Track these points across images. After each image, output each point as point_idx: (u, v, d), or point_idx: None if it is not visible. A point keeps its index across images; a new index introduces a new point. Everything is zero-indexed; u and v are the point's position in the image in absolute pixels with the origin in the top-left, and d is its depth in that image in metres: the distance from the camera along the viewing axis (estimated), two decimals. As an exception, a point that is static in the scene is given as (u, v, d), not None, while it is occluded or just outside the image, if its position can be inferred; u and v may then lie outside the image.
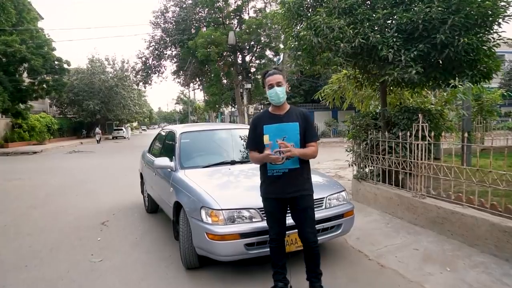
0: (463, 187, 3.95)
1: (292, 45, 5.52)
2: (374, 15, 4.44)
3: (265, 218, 3.03)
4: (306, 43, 4.98)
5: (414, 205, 4.54)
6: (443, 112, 5.64)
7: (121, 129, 41.68)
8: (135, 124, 76.40)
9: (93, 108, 36.01)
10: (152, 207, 5.80)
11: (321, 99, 8.29)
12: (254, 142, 2.95)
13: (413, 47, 4.24)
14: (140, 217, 5.76)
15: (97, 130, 32.81)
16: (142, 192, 6.35)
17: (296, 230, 3.00)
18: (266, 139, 2.82)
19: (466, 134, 4.21)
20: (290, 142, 2.78)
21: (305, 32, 4.91)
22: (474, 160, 6.98)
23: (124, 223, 5.41)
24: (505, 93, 11.09)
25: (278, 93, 2.81)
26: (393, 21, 4.49)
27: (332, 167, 10.19)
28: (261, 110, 26.75)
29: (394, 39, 4.26)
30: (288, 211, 2.96)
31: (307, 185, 2.91)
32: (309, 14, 5.13)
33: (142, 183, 6.29)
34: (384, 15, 4.35)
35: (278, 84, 2.82)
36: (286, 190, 2.83)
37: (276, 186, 2.85)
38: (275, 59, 25.40)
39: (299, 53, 5.51)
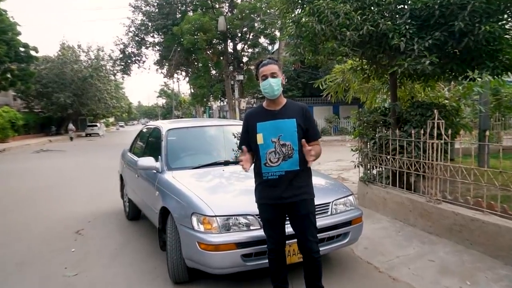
0: (483, 191, 3.97)
1: (292, 32, 5.50)
2: (384, 0, 4.43)
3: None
4: (308, 30, 4.97)
5: (428, 211, 4.56)
6: (460, 108, 5.67)
7: (96, 125, 41.35)
8: (111, 119, 75.85)
9: (64, 102, 35.49)
10: (134, 213, 5.76)
11: (322, 90, 8.27)
12: (246, 141, 2.92)
13: (428, 35, 4.24)
14: (119, 224, 5.71)
15: (71, 126, 32.78)
16: (122, 196, 6.30)
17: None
18: (259, 138, 2.79)
19: (487, 133, 4.19)
20: (286, 142, 2.76)
21: (307, 18, 4.90)
22: (492, 161, 7.12)
23: (102, 232, 5.36)
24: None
25: (272, 85, 2.76)
26: (406, 7, 4.49)
27: (334, 169, 10.22)
28: (254, 105, 26.74)
29: (407, 27, 4.27)
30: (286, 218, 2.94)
31: (307, 188, 2.89)
32: (311, -3, 5.11)
33: (122, 186, 6.23)
34: (395, 0, 4.35)
35: (273, 75, 2.78)
36: (284, 195, 2.80)
37: (272, 191, 2.82)
38: (270, 48, 25.41)
39: (299, 41, 5.50)
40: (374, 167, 5.80)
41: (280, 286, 3.00)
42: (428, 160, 4.60)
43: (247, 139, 2.92)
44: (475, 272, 3.53)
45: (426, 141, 4.62)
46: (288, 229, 2.96)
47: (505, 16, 4.17)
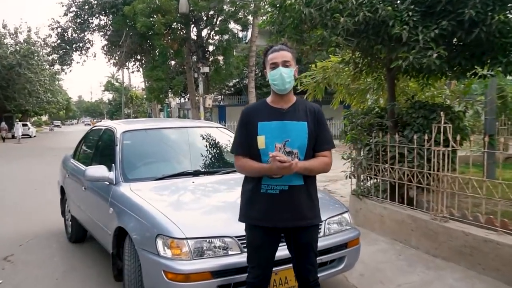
0: (493, 207, 4.08)
1: (274, 18, 5.51)
2: (383, -19, 4.50)
3: (246, 251, 2.94)
4: (293, 15, 4.98)
5: (433, 230, 4.64)
6: (467, 110, 5.84)
7: (26, 125, 40.18)
8: (45, 117, 73.78)
9: (-15, 96, 34.43)
10: (78, 234, 5.62)
11: (298, 88, 8.35)
12: (245, 145, 2.77)
13: (433, 24, 4.34)
14: (60, 248, 5.54)
15: (3, 124, 33.31)
16: (63, 213, 6.12)
17: (287, 266, 2.93)
18: (261, 141, 2.66)
19: (502, 140, 4.31)
20: (293, 149, 2.65)
21: (292, 1, 4.91)
22: (499, 172, 7.35)
23: (37, 258, 5.18)
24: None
25: (284, 75, 2.65)
26: (408, -10, 4.58)
27: (318, 180, 10.14)
28: (222, 102, 26.64)
29: (410, 13, 4.34)
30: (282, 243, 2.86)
31: (313, 210, 2.77)
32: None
33: (64, 201, 6.06)
34: (396, -18, 4.43)
35: (285, 64, 2.67)
36: (284, 215, 2.67)
37: (269, 209, 2.68)
38: (241, 35, 25.48)
39: (282, 28, 5.51)
40: (369, 178, 5.87)
41: None
42: (433, 170, 4.69)
43: (245, 142, 2.76)
44: (490, 302, 3.61)
45: (430, 148, 4.71)
46: (277, 253, 2.87)
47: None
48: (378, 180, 5.64)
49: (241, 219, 2.84)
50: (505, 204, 4.07)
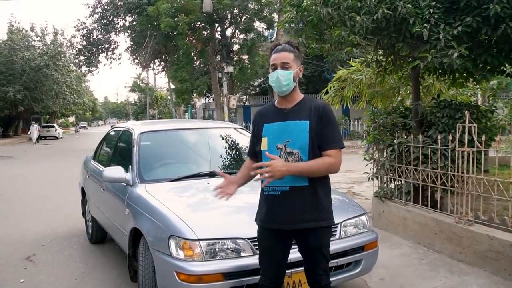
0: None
1: (293, 18, 5.53)
2: (404, -22, 4.47)
3: (258, 253, 2.98)
4: (312, 14, 5.00)
5: (458, 234, 4.58)
6: (495, 109, 5.73)
7: (53, 126, 41.23)
8: (71, 119, 75.57)
9: (13, 97, 35.14)
10: (98, 236, 5.74)
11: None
12: (252, 147, 2.91)
13: (457, 21, 4.29)
14: (80, 249, 5.67)
15: (35, 126, 32.61)
16: (84, 214, 6.26)
17: (301, 269, 2.95)
18: (264, 143, 2.73)
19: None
20: (294, 149, 2.66)
21: (309, 1, 4.94)
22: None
23: (58, 258, 5.31)
24: None
25: (280, 78, 2.68)
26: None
27: (343, 181, 10.26)
28: (246, 103, 26.65)
29: (431, 10, 4.29)
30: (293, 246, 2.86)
31: (320, 212, 2.73)
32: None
33: (85, 202, 6.20)
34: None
35: (284, 66, 2.69)
36: (286, 218, 2.69)
37: (272, 212, 2.72)
38: (266, 34, 25.49)
39: (301, 27, 5.54)
40: (392, 180, 5.83)
41: None
42: (458, 172, 4.63)
43: (253, 144, 2.89)
44: (515, 309, 3.55)
45: (455, 149, 4.65)
46: (290, 255, 2.91)
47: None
48: (401, 182, 5.59)
49: (255, 220, 2.90)
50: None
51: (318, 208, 2.72)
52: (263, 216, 2.78)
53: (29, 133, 32.10)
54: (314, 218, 2.70)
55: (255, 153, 2.85)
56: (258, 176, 2.60)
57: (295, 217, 2.67)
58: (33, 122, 34.31)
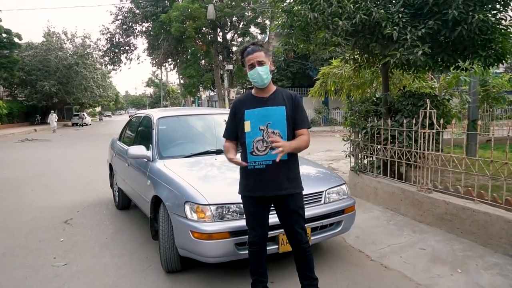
0: (472, 181, 4.03)
1: (284, 22, 5.46)
2: (378, -13, 4.42)
3: None
4: (300, 19, 4.94)
5: (419, 200, 4.61)
6: (451, 98, 5.72)
7: (83, 115, 40.86)
8: (98, 109, 74.86)
9: (49, 90, 34.76)
10: (124, 203, 5.73)
11: (311, 81, 8.49)
12: (232, 130, 2.88)
13: (421, 24, 4.25)
14: (109, 214, 5.66)
15: (54, 115, 28.96)
16: (112, 185, 6.24)
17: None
18: (247, 126, 2.73)
19: (479, 122, 4.24)
20: (275, 129, 2.70)
21: (299, 7, 4.86)
22: (481, 152, 7.23)
23: (91, 222, 5.31)
24: (512, 79, 11.38)
25: (261, 73, 2.68)
26: (399, -6, 4.48)
27: (324, 159, 10.26)
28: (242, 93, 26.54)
29: (400, 15, 4.27)
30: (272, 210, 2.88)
31: (296, 181, 2.81)
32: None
33: (112, 176, 6.17)
34: (389, -13, 4.34)
35: (260, 63, 2.68)
36: (269, 187, 2.72)
37: (257, 182, 2.74)
38: (260, 37, 25.23)
39: (291, 30, 5.47)
40: (365, 157, 5.83)
41: (259, 280, 2.92)
42: (420, 149, 4.64)
43: (234, 127, 2.86)
44: (466, 260, 3.58)
45: (417, 131, 4.66)
46: (276, 218, 2.92)
47: (498, 5, 4.19)
48: (373, 158, 5.60)
49: (239, 191, 2.92)
50: (482, 178, 4.00)
51: (294, 178, 2.82)
52: (251, 185, 2.80)
53: (48, 121, 28.57)
54: (292, 186, 2.78)
55: (235, 134, 2.87)
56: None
57: (277, 185, 2.73)
58: (52, 111, 30.66)
